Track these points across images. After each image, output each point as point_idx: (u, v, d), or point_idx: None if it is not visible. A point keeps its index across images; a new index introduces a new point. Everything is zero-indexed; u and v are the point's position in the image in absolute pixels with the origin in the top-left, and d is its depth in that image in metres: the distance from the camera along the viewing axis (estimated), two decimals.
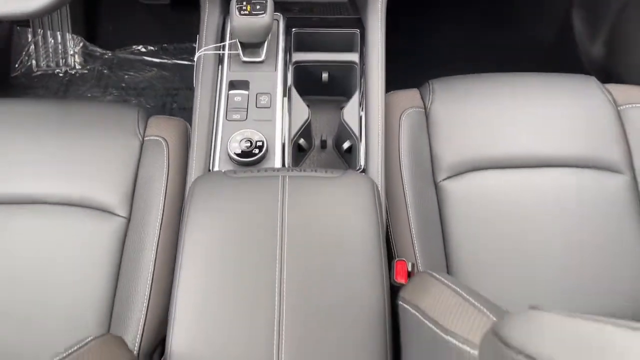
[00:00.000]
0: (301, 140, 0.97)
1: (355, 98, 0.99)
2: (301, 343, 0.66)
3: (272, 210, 0.75)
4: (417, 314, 0.60)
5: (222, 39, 1.03)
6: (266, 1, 0.95)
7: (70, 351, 0.54)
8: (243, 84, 0.97)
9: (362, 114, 0.99)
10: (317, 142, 1.04)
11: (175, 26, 1.72)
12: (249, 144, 0.89)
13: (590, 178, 1.00)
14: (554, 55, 1.64)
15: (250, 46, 0.98)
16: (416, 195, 0.99)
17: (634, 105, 1.07)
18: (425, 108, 1.06)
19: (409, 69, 1.24)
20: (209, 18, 1.03)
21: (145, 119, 1.04)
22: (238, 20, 0.94)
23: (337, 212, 0.76)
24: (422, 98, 1.08)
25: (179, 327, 0.68)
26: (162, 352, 0.86)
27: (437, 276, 0.63)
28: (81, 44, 1.71)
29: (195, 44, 1.74)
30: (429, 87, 1.08)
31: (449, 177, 1.00)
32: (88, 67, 1.71)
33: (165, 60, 1.73)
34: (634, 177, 1.01)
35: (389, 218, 0.97)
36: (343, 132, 0.98)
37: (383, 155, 0.95)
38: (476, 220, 0.97)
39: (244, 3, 0.95)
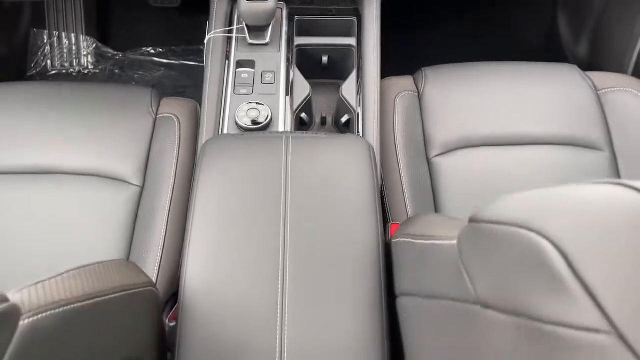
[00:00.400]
0: (303, 114, 1.05)
1: (353, 76, 1.08)
2: (304, 278, 0.73)
3: (276, 165, 0.82)
4: (406, 239, 0.66)
5: (230, 25, 1.12)
6: None
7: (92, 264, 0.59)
8: (249, 63, 1.06)
9: (360, 90, 1.07)
10: (317, 119, 1.12)
11: (183, 29, 1.82)
12: (255, 113, 0.97)
13: (571, 154, 1.07)
14: (541, 56, 1.74)
15: (256, 29, 1.07)
16: (410, 169, 1.06)
17: (612, 89, 1.16)
18: (418, 92, 1.15)
19: (402, 60, 1.33)
20: (218, 5, 1.12)
21: (158, 99, 1.12)
22: (245, 5, 1.03)
23: (336, 167, 0.83)
24: (416, 84, 1.16)
25: (192, 266, 0.74)
26: (173, 306, 0.92)
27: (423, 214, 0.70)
28: (94, 45, 1.81)
29: (202, 46, 1.83)
30: (421, 74, 1.17)
31: (440, 154, 1.07)
32: (100, 67, 1.80)
33: (173, 61, 1.82)
34: (613, 154, 1.08)
35: (384, 186, 1.04)
36: (341, 106, 1.06)
37: (378, 125, 1.03)
38: (466, 192, 1.04)
39: None
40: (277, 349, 0.67)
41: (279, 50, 1.08)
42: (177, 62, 1.83)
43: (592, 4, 1.55)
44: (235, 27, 1.10)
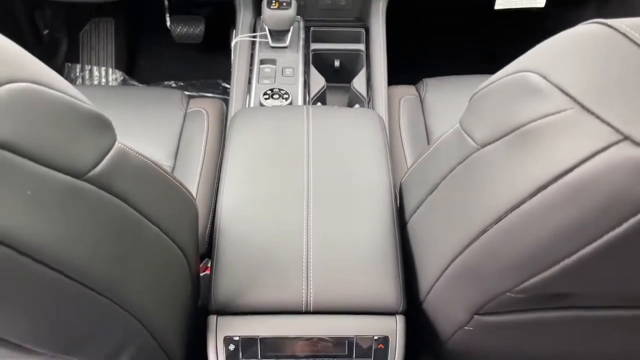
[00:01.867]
0: (318, 104, 1.18)
1: (363, 72, 1.22)
2: (325, 205, 0.82)
3: (299, 125, 0.94)
4: (414, 165, 0.77)
5: (253, 32, 1.28)
6: (290, 0, 1.21)
7: None
8: (271, 61, 1.21)
9: (369, 88, 1.21)
10: None
11: (203, 64, 2.00)
12: (277, 96, 1.10)
13: None
14: None
15: (277, 34, 1.23)
16: (414, 156, 1.18)
17: None
18: (420, 97, 1.29)
19: (404, 71, 1.48)
20: (244, 16, 1.29)
21: (188, 98, 1.25)
22: (268, 12, 1.19)
23: (352, 128, 0.95)
24: (418, 91, 1.30)
25: (227, 195, 0.83)
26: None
27: None
28: (122, 78, 1.98)
29: (220, 80, 2.00)
30: (423, 84, 1.31)
31: None
32: None
33: (193, 93, 1.99)
34: None
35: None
36: (352, 97, 1.20)
37: (386, 116, 1.15)
38: None
39: (274, 1, 1.21)
40: (304, 258, 0.75)
41: (297, 51, 1.23)
42: (196, 94, 1.99)
43: None
44: (258, 32, 1.26)
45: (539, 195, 0.44)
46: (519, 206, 0.46)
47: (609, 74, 0.43)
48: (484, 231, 0.51)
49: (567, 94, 0.44)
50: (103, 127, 0.48)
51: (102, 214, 0.46)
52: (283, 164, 0.87)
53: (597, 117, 0.41)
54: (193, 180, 1.09)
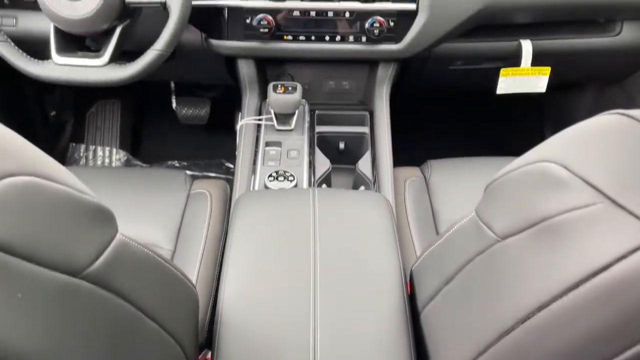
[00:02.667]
0: (323, 186, 1.17)
1: (368, 154, 1.22)
2: (333, 296, 0.78)
3: (305, 210, 0.91)
4: (426, 252, 0.74)
5: (259, 115, 1.30)
6: (296, 85, 1.23)
7: None
8: (276, 143, 1.21)
9: (374, 170, 1.20)
10: None
11: (207, 144, 2.02)
12: (282, 178, 1.09)
13: None
14: None
15: (283, 117, 1.24)
16: (422, 240, 1.15)
17: None
18: (425, 179, 1.28)
19: (409, 151, 1.49)
20: (250, 100, 1.31)
21: (192, 180, 1.24)
22: (274, 96, 1.21)
23: (359, 212, 0.93)
24: (423, 173, 1.30)
25: (230, 285, 0.80)
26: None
27: None
28: (125, 158, 1.99)
29: (224, 159, 2.00)
30: (427, 165, 1.31)
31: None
32: None
33: (196, 173, 1.99)
34: None
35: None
36: (358, 179, 1.19)
37: (393, 199, 1.14)
38: None
39: (279, 86, 1.23)
40: (311, 354, 0.70)
41: (303, 134, 1.23)
42: (199, 174, 1.99)
43: (575, 120, 1.76)
44: (264, 116, 1.27)
45: (571, 294, 0.41)
46: (549, 305, 0.43)
47: (634, 165, 0.42)
48: (509, 330, 0.47)
49: (593, 186, 0.42)
50: (104, 219, 0.46)
51: (97, 312, 0.43)
52: (289, 251, 0.84)
53: (629, 212, 0.39)
54: (193, 265, 1.06)
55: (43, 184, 0.38)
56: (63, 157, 1.95)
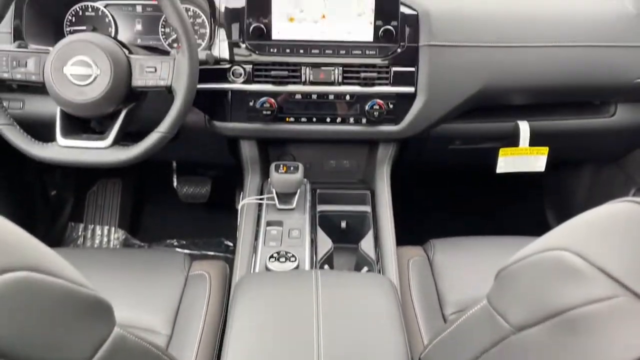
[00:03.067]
0: (325, 266, 1.14)
1: (370, 234, 1.20)
2: None
3: (308, 292, 0.89)
4: (437, 339, 0.71)
5: (260, 194, 1.30)
6: (298, 165, 1.24)
7: None
8: (278, 223, 1.20)
9: (377, 250, 1.18)
10: None
11: (207, 223, 2.01)
12: (284, 259, 1.07)
13: None
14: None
15: (284, 196, 1.24)
16: (428, 324, 1.11)
17: None
18: (429, 258, 1.26)
19: (411, 230, 1.47)
20: (251, 180, 1.31)
21: (191, 261, 1.22)
22: (276, 176, 1.21)
23: (363, 295, 0.90)
24: (426, 252, 1.28)
25: None
26: None
27: None
28: (124, 237, 1.97)
29: (223, 238, 1.99)
30: (430, 245, 1.29)
31: (457, 312, 1.13)
32: None
33: (195, 252, 1.96)
34: None
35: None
36: (360, 259, 1.16)
37: (398, 281, 1.11)
38: None
39: (281, 166, 1.24)
40: None
41: (304, 213, 1.23)
42: (197, 253, 1.96)
43: (574, 197, 1.77)
44: (265, 195, 1.27)
45: None
46: None
47: None
48: None
49: (611, 277, 0.41)
50: (102, 312, 0.44)
51: None
52: (291, 340, 0.81)
53: None
54: (191, 351, 1.01)
55: (41, 279, 0.37)
56: (61, 236, 1.93)
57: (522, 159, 1.40)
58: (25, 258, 0.37)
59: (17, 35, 1.23)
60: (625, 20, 1.34)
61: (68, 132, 1.09)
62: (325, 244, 1.17)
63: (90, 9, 1.33)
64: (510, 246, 1.26)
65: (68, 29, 1.33)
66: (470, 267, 1.20)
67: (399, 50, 1.24)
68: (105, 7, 1.33)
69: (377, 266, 1.15)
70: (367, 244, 1.18)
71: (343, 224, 1.28)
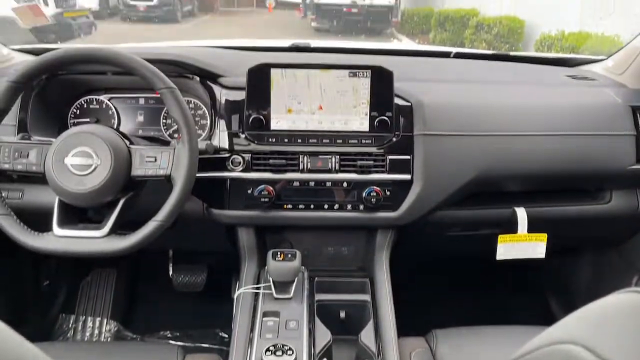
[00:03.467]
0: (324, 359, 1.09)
1: (370, 325, 1.16)
2: None
3: None
4: None
5: (257, 282, 1.27)
6: (295, 252, 1.23)
7: None
8: (274, 314, 1.16)
9: (378, 341, 1.14)
10: None
11: (202, 312, 1.95)
12: (280, 353, 1.02)
13: None
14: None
15: (281, 285, 1.21)
16: None
17: None
18: (431, 350, 1.22)
19: (411, 318, 1.43)
20: (248, 268, 1.29)
21: (184, 354, 1.17)
22: (273, 264, 1.19)
23: None
24: (428, 343, 1.24)
25: None
26: None
27: None
28: (115, 329, 1.90)
29: (218, 330, 1.93)
30: (432, 335, 1.25)
31: None
32: None
33: (189, 344, 1.89)
34: None
35: None
36: (361, 352, 1.12)
37: None
38: None
39: (279, 253, 1.22)
40: None
41: (302, 302, 1.19)
42: (191, 345, 1.89)
43: (576, 283, 1.74)
44: (262, 284, 1.24)
45: None
46: None
47: None
48: None
49: None
50: None
51: None
52: None
53: None
54: None
55: None
56: (52, 328, 1.86)
57: (522, 245, 1.39)
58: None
59: (22, 127, 1.26)
60: (611, 109, 1.39)
61: (64, 221, 1.09)
62: (323, 335, 1.13)
63: (94, 102, 1.38)
64: (514, 337, 1.23)
65: (72, 121, 1.37)
66: (474, 355, 1.16)
67: (394, 139, 1.27)
68: (109, 100, 1.37)
69: (379, 358, 1.10)
70: (367, 335, 1.14)
71: (342, 314, 1.25)
